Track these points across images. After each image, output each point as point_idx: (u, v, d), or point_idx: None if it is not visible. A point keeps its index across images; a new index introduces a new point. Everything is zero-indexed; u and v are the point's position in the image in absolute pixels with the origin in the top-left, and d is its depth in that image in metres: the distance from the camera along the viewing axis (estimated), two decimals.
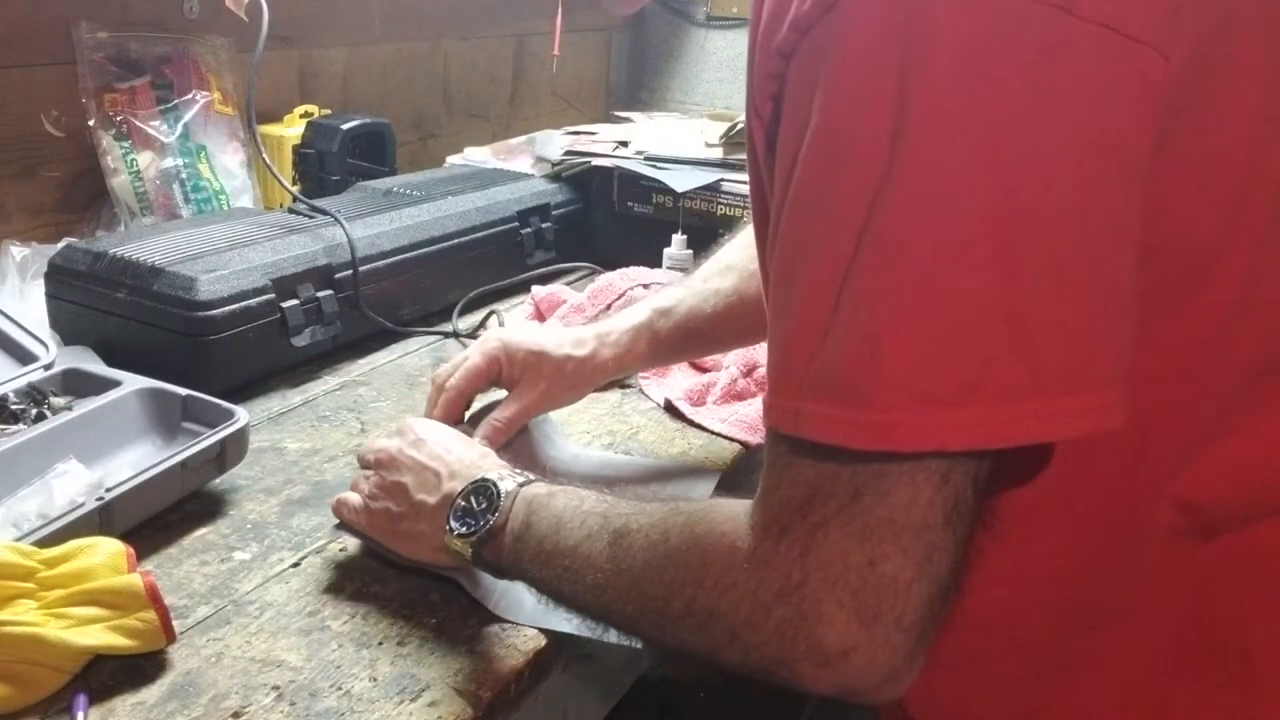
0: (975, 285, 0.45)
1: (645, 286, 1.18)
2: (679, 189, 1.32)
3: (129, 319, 0.97)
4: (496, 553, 0.66)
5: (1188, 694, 0.58)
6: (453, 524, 0.67)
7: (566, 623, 0.68)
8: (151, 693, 0.61)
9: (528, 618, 0.69)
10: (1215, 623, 0.57)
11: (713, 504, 0.57)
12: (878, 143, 0.46)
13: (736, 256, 0.92)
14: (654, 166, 1.38)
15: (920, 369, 0.46)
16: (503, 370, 0.85)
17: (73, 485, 0.73)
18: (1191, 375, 0.53)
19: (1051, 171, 0.45)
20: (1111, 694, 0.59)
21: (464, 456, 0.72)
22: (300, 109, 1.45)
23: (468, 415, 0.86)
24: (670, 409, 1.01)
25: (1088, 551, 0.57)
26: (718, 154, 1.41)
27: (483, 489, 0.67)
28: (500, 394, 0.87)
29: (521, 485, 0.67)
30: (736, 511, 0.53)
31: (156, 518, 0.77)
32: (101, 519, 0.70)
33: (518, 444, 0.86)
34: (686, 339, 0.91)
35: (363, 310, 1.09)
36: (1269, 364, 0.54)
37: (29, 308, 1.03)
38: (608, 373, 0.89)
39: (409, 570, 0.73)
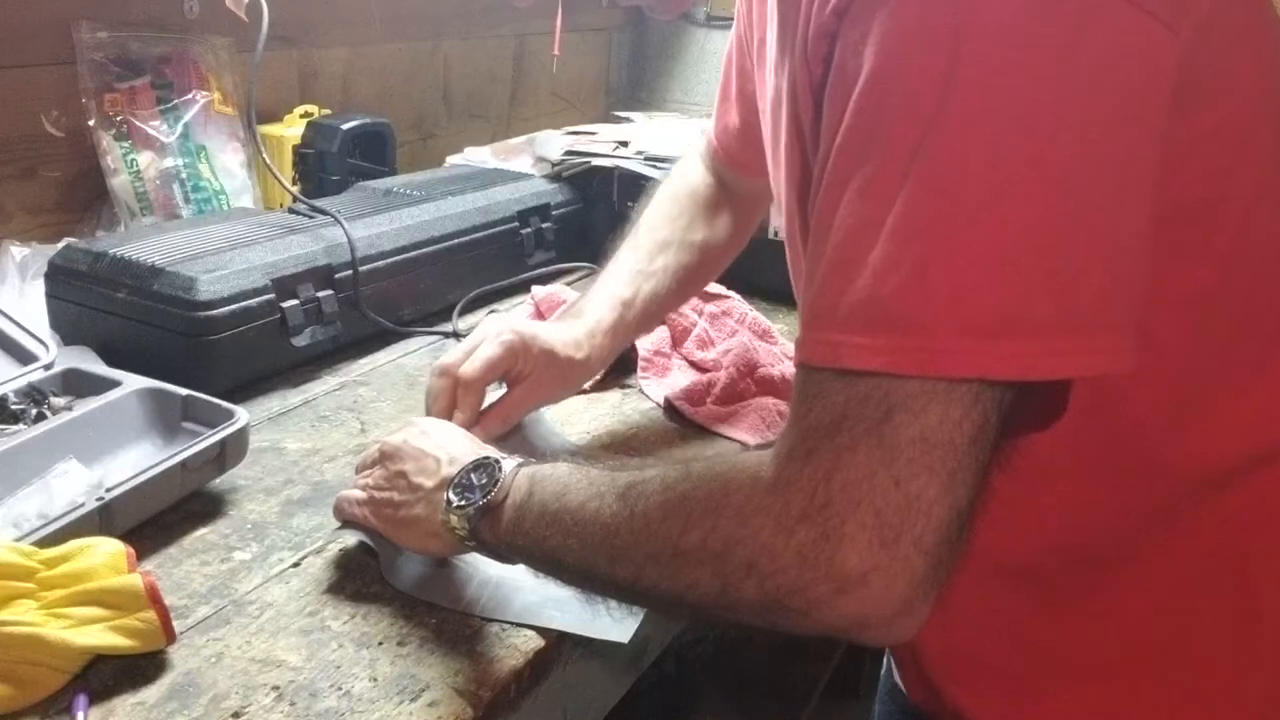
0: (1018, 224, 0.48)
1: None
2: None
3: (129, 319, 0.97)
4: (494, 527, 0.65)
5: (1196, 638, 0.61)
6: (451, 497, 0.67)
7: (553, 619, 0.69)
8: (151, 693, 0.61)
9: (515, 615, 0.70)
10: (1223, 568, 0.60)
11: (735, 452, 0.57)
12: (929, 86, 0.48)
13: (669, 232, 0.98)
14: (654, 166, 1.38)
15: (965, 299, 0.48)
16: (517, 363, 0.85)
17: (73, 485, 0.73)
18: (1187, 330, 0.57)
19: (1089, 122, 0.48)
20: (1120, 639, 0.62)
21: (467, 446, 0.72)
22: (300, 109, 1.45)
23: None
24: (670, 409, 1.01)
25: (1099, 500, 0.60)
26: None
27: (483, 465, 0.68)
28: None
29: (521, 464, 0.67)
30: (761, 454, 0.54)
31: (156, 518, 0.77)
32: (101, 519, 0.70)
33: (515, 440, 0.86)
34: (649, 321, 0.99)
35: (363, 310, 1.09)
36: (1266, 325, 0.59)
37: (29, 308, 1.03)
38: (593, 374, 0.94)
39: (403, 591, 0.72)
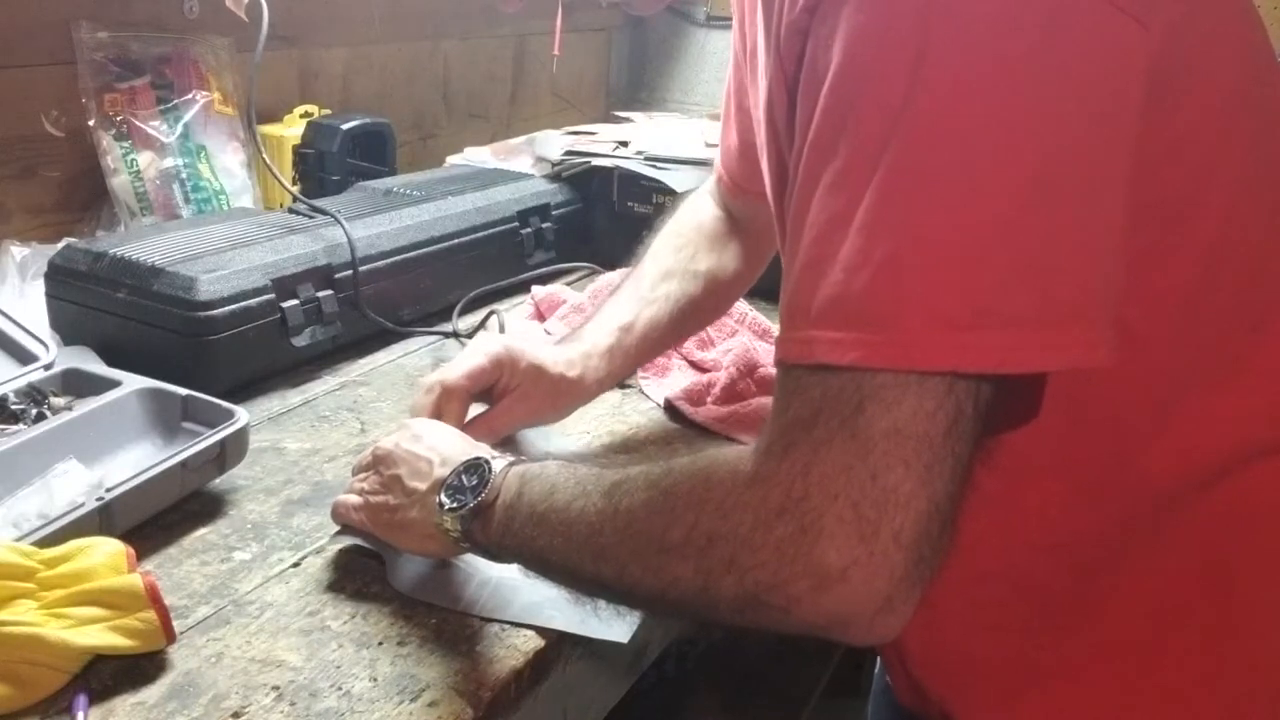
0: (991, 215, 0.47)
1: None
2: (679, 189, 1.32)
3: (129, 319, 0.97)
4: (485, 528, 0.65)
5: (1182, 638, 0.61)
6: (443, 499, 0.67)
7: (553, 619, 0.69)
8: (151, 693, 0.61)
9: (515, 615, 0.70)
10: (1208, 568, 0.60)
11: (718, 446, 0.57)
12: (897, 78, 0.48)
13: (674, 261, 0.97)
14: (654, 166, 1.38)
15: (937, 292, 0.47)
16: (503, 376, 0.85)
17: (73, 485, 0.73)
18: (1167, 328, 0.56)
19: (1060, 114, 0.48)
20: (1106, 639, 0.62)
21: (459, 446, 0.72)
22: (300, 109, 1.45)
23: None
24: (670, 409, 1.01)
25: (1085, 499, 0.60)
26: (717, 154, 1.41)
27: (474, 466, 0.68)
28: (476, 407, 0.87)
29: (512, 464, 0.67)
30: (742, 448, 0.53)
31: (156, 518, 0.77)
32: (101, 519, 0.70)
33: (512, 444, 0.86)
34: (649, 349, 0.96)
35: (363, 310, 1.09)
36: (1247, 322, 0.58)
37: (29, 308, 1.03)
38: (589, 397, 0.92)
39: (402, 592, 0.72)
